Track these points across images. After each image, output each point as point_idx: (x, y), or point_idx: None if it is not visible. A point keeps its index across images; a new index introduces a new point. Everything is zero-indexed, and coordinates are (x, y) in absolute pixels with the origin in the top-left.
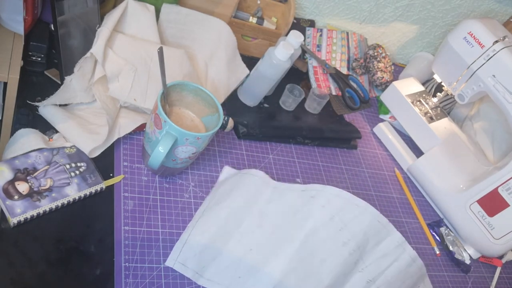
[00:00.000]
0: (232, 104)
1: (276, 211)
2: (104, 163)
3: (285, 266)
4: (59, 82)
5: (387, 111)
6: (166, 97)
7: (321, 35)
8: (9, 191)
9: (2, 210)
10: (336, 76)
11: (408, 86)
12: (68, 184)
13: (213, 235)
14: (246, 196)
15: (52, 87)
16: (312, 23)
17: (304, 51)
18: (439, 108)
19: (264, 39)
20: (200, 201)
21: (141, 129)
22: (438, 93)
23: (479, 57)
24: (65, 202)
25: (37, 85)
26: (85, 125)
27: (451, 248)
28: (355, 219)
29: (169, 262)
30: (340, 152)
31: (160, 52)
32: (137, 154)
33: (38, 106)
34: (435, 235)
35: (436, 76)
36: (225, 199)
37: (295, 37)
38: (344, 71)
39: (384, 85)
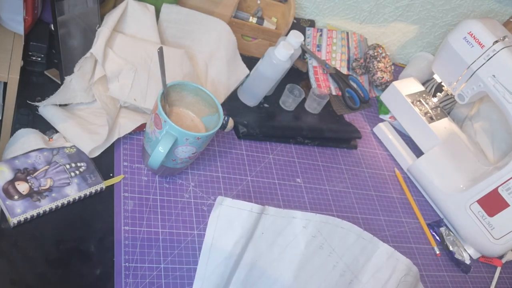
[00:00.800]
0: (232, 104)
1: (269, 243)
2: (104, 163)
3: None
4: (59, 82)
5: (387, 111)
6: (166, 97)
7: (321, 35)
8: (9, 191)
9: (2, 210)
10: (336, 76)
11: (408, 86)
12: (68, 184)
13: (219, 282)
14: (245, 237)
15: (52, 87)
16: (312, 23)
17: (304, 51)
18: (439, 108)
19: (264, 39)
20: (200, 201)
21: (141, 129)
22: (438, 93)
23: (479, 57)
24: (65, 202)
25: (37, 85)
26: (85, 125)
27: (451, 248)
28: (340, 242)
29: None
30: (340, 152)
31: (160, 52)
32: (137, 154)
33: (38, 106)
34: (435, 235)
35: (436, 76)
36: (224, 240)
37: (295, 37)
38: (344, 71)
39: (384, 85)
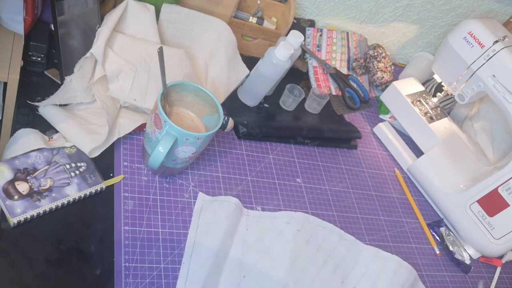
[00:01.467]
0: (232, 104)
1: (256, 238)
2: (104, 163)
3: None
4: (59, 82)
5: (387, 111)
6: (166, 97)
7: (321, 35)
8: (9, 191)
9: (2, 210)
10: (336, 76)
11: (408, 86)
12: (68, 184)
13: (208, 271)
14: (227, 225)
15: (52, 87)
16: (312, 23)
17: (304, 51)
18: (439, 108)
19: (264, 39)
20: None
21: (141, 129)
22: (438, 93)
23: (479, 57)
24: (65, 202)
25: (37, 85)
26: (85, 125)
27: (451, 248)
28: (325, 240)
29: None
30: (340, 152)
31: (160, 52)
32: (137, 154)
33: (38, 106)
34: (435, 235)
35: (436, 76)
36: (209, 231)
37: (295, 37)
38: (344, 71)
39: (384, 85)
